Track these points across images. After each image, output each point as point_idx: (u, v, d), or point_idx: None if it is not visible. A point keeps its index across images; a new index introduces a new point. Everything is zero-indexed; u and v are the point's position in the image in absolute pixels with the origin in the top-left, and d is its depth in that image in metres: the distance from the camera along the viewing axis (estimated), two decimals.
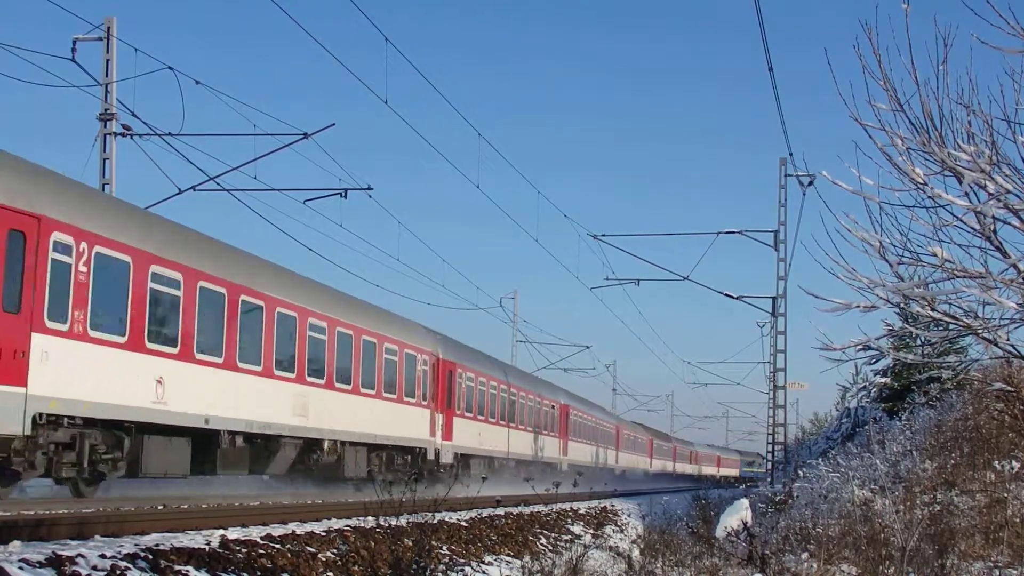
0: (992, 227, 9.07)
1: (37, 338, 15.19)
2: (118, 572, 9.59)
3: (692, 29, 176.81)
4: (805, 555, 16.68)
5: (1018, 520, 18.41)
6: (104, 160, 27.78)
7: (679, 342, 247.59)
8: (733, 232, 37.67)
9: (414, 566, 11.42)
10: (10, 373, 14.69)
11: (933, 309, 9.61)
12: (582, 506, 28.87)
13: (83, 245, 16.31)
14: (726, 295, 39.60)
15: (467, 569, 14.44)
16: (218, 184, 27.50)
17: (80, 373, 16.13)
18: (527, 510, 22.87)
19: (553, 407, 48.88)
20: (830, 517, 20.57)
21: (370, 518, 13.95)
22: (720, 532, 17.30)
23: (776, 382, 38.99)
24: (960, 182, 9.07)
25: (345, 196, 28.46)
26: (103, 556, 9.94)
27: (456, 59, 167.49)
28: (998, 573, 15.51)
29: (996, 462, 21.99)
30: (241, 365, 20.75)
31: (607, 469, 60.78)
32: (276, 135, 27.55)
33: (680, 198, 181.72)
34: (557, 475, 41.21)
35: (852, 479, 24.31)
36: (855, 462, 27.99)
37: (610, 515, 28.99)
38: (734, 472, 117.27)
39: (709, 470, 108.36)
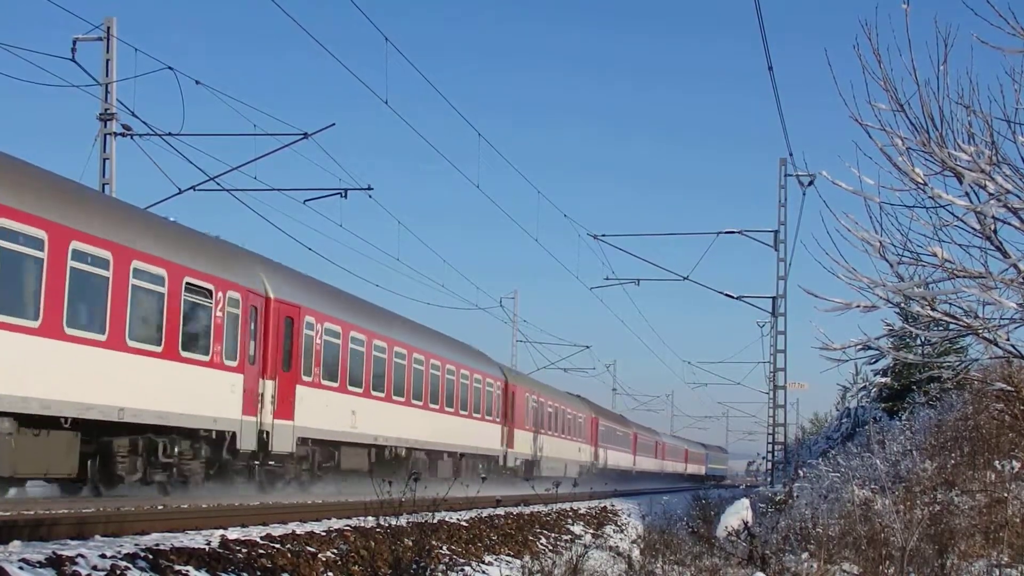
0: (992, 227, 9.08)
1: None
2: (118, 572, 9.59)
3: (692, 29, 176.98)
4: (805, 555, 16.69)
5: (1018, 520, 18.39)
6: (104, 160, 27.79)
7: (679, 342, 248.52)
8: (733, 232, 37.70)
9: (414, 566, 11.42)
10: None
11: (933, 309, 9.61)
12: (582, 506, 28.87)
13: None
14: (726, 295, 39.64)
15: (467, 569, 14.44)
16: (218, 184, 27.55)
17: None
18: (527, 510, 22.87)
19: (308, 323, 24.59)
20: (830, 517, 20.55)
21: (370, 518, 13.94)
22: (720, 532, 17.32)
23: (776, 382, 39.00)
24: (960, 182, 9.08)
25: (345, 196, 28.51)
26: (103, 556, 9.95)
27: (456, 59, 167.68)
28: (998, 573, 15.50)
29: (996, 462, 21.97)
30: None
31: (491, 457, 39.38)
32: (276, 135, 27.61)
33: (680, 198, 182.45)
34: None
35: (852, 479, 24.29)
36: (855, 462, 27.99)
37: (610, 515, 28.99)
38: (700, 470, 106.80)
39: (687, 467, 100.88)
